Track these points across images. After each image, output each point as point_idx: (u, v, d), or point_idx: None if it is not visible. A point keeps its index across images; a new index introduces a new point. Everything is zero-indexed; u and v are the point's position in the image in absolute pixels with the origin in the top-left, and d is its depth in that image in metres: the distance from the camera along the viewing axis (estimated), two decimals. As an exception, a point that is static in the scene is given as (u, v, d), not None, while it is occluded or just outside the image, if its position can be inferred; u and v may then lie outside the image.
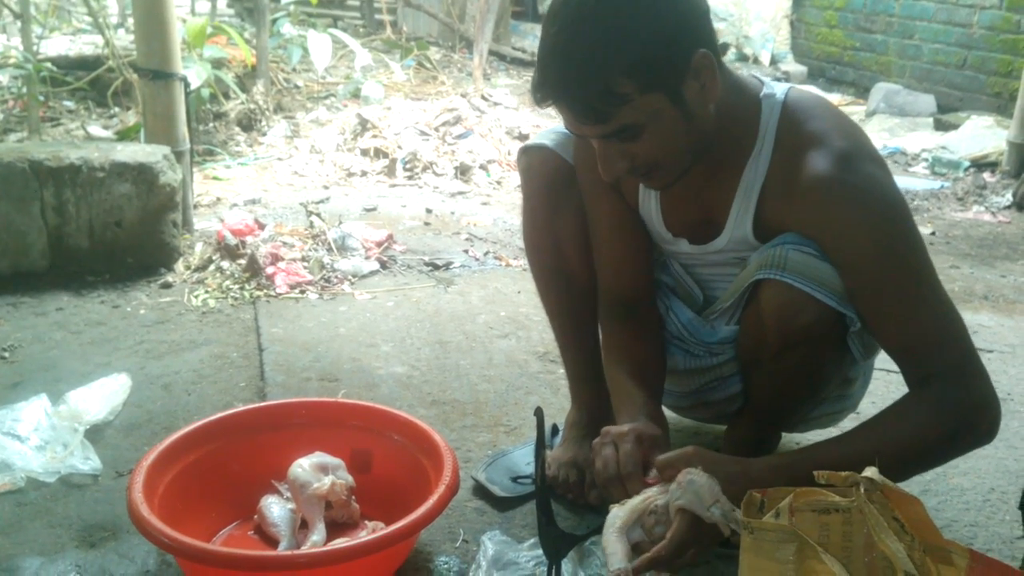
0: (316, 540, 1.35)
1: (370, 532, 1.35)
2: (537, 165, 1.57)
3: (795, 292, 1.24)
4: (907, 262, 1.19)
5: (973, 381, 1.15)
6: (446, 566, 1.37)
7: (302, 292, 2.54)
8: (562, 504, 1.53)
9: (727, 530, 0.99)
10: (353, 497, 1.44)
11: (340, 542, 1.32)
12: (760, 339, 1.34)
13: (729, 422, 1.60)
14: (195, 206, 3.15)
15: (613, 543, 1.08)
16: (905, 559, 0.81)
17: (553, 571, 1.28)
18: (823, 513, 0.96)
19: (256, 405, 1.53)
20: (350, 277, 2.65)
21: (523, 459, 1.67)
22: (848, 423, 1.63)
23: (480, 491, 1.57)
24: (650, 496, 1.08)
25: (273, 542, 1.39)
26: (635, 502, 1.09)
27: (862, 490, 0.87)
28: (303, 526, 1.40)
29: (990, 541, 1.49)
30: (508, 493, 1.55)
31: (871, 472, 0.88)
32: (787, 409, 1.47)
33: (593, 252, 1.55)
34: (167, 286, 2.59)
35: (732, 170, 1.29)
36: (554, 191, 1.55)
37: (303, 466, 1.39)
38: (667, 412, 1.75)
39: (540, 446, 1.28)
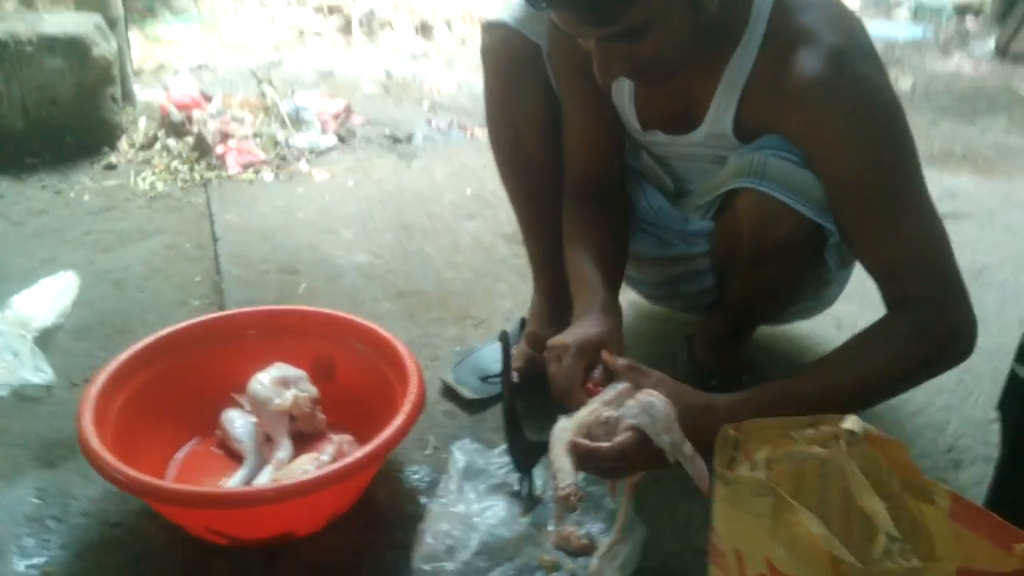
0: (282, 457, 1.31)
1: (336, 448, 1.31)
2: (496, 45, 1.44)
3: (772, 202, 1.16)
4: (895, 175, 1.11)
5: (953, 306, 1.10)
6: (417, 476, 1.35)
7: (256, 172, 2.41)
8: (531, 404, 1.50)
9: (671, 459, 0.96)
10: (318, 408, 1.40)
11: (305, 460, 1.28)
12: (734, 246, 1.27)
13: (703, 314, 1.56)
14: (136, 73, 2.94)
15: (561, 458, 1.04)
16: (886, 519, 0.78)
17: (524, 482, 1.26)
18: (799, 461, 0.93)
19: (209, 317, 1.46)
20: (306, 154, 2.51)
21: (491, 357, 1.62)
22: (823, 318, 1.61)
23: (449, 393, 1.53)
24: (597, 409, 1.04)
25: (237, 458, 1.35)
26: (582, 414, 1.05)
27: (842, 444, 0.83)
28: (268, 440, 1.36)
29: (963, 425, 1.49)
30: (477, 395, 1.52)
31: (852, 423, 0.84)
32: (760, 311, 1.43)
33: (562, 133, 1.45)
34: (111, 167, 2.45)
35: (717, 61, 1.18)
36: (514, 74, 1.43)
37: (262, 382, 1.34)
38: (640, 300, 1.71)
39: (507, 371, 1.23)
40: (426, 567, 1.12)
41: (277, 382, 1.35)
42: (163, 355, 1.39)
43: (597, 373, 1.14)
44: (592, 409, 1.05)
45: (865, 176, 1.10)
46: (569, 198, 1.47)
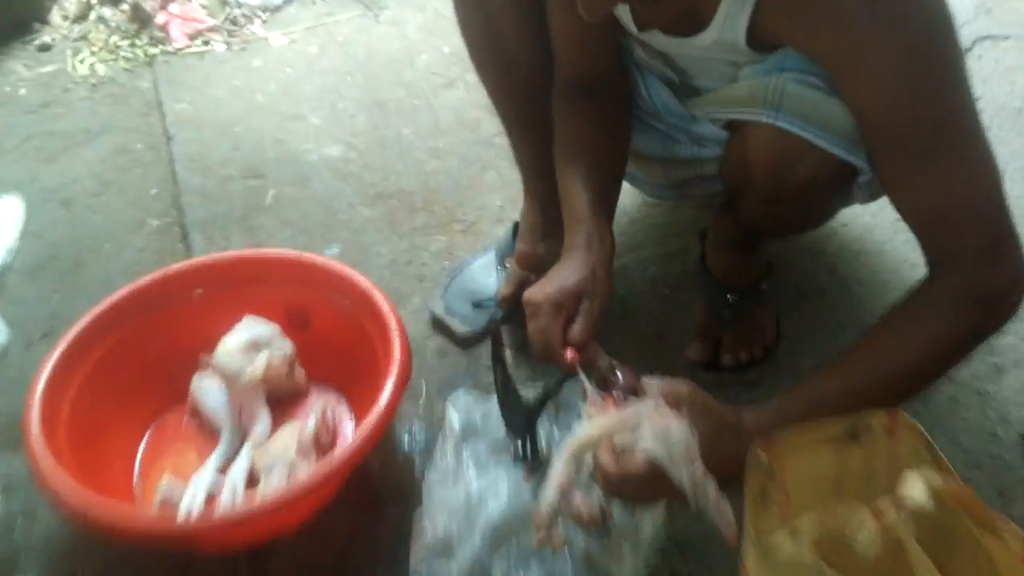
0: (260, 432, 1.20)
1: (320, 415, 1.20)
2: None
3: (791, 140, 0.97)
4: (944, 108, 0.89)
5: (1004, 260, 0.91)
6: (410, 436, 1.25)
7: (206, 43, 2.13)
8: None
9: (692, 502, 0.82)
10: (296, 363, 1.27)
11: (287, 436, 1.17)
12: (748, 181, 1.09)
13: (713, 214, 1.38)
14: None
15: (557, 471, 0.94)
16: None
17: (524, 445, 1.16)
18: (840, 446, 0.81)
19: (162, 273, 1.29)
20: (260, 13, 2.22)
21: (483, 273, 1.47)
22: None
23: (439, 326, 1.40)
24: (611, 426, 0.90)
25: (213, 430, 1.24)
26: (600, 427, 0.92)
27: (901, 516, 0.70)
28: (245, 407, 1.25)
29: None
30: (470, 328, 1.38)
31: (915, 489, 0.70)
32: (777, 235, 1.27)
33: (548, 20, 1.22)
34: (46, 48, 2.18)
35: None
36: None
37: (229, 351, 1.20)
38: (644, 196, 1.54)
39: (497, 362, 1.10)
40: (425, 572, 1.03)
41: (247, 347, 1.21)
42: (121, 321, 1.25)
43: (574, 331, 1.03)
44: (612, 424, 0.91)
45: (908, 110, 0.89)
46: (558, 95, 1.26)
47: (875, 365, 0.91)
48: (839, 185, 1.07)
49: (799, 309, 1.38)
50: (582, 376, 1.05)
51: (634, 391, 1.04)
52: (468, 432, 1.20)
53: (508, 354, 1.09)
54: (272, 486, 1.12)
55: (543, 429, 1.20)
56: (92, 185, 1.75)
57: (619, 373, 1.07)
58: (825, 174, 1.01)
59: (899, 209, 0.98)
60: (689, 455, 0.82)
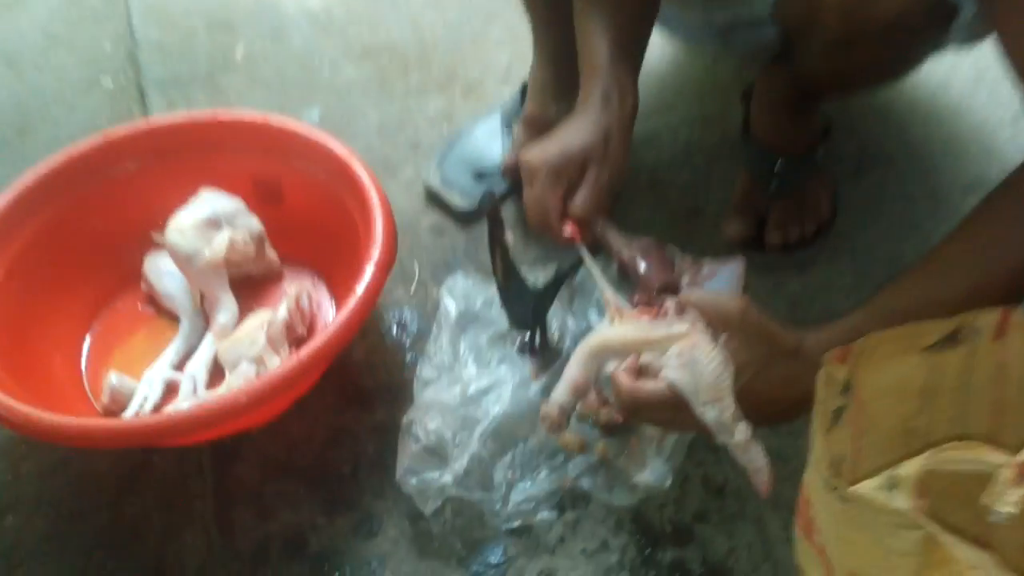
0: (224, 322, 1.02)
1: (293, 302, 1.02)
2: None
3: None
4: None
5: None
6: (400, 326, 1.07)
7: None
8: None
9: (717, 437, 0.66)
10: (266, 243, 1.09)
11: (255, 326, 0.99)
12: (812, 21, 0.86)
13: (762, 69, 1.15)
14: None
15: (572, 370, 0.77)
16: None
17: (532, 337, 0.98)
18: (936, 352, 0.63)
19: (105, 136, 1.08)
20: None
21: (486, 139, 1.26)
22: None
23: (435, 199, 1.20)
24: (639, 339, 0.72)
25: (171, 315, 1.07)
26: (622, 337, 0.74)
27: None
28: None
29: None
30: (470, 204, 1.18)
31: None
32: (842, 94, 1.06)
33: None
34: None
35: None
36: None
37: (183, 229, 1.00)
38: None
39: (496, 244, 0.91)
40: (413, 480, 0.87)
41: (203, 225, 1.02)
42: (58, 192, 1.06)
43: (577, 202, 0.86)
44: (627, 336, 0.73)
45: None
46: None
47: (977, 264, 0.71)
48: (930, 27, 0.85)
49: (861, 180, 1.17)
50: (586, 258, 0.87)
51: (666, 287, 0.85)
52: (466, 321, 1.03)
53: (509, 235, 0.90)
54: (237, 384, 0.95)
55: (556, 319, 1.02)
56: (39, 41, 1.53)
57: (642, 263, 0.88)
58: (914, 12, 0.79)
59: (1015, 67, 0.74)
60: (718, 392, 0.65)
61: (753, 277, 0.89)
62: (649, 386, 0.69)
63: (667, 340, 0.70)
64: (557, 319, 1.02)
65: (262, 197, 1.10)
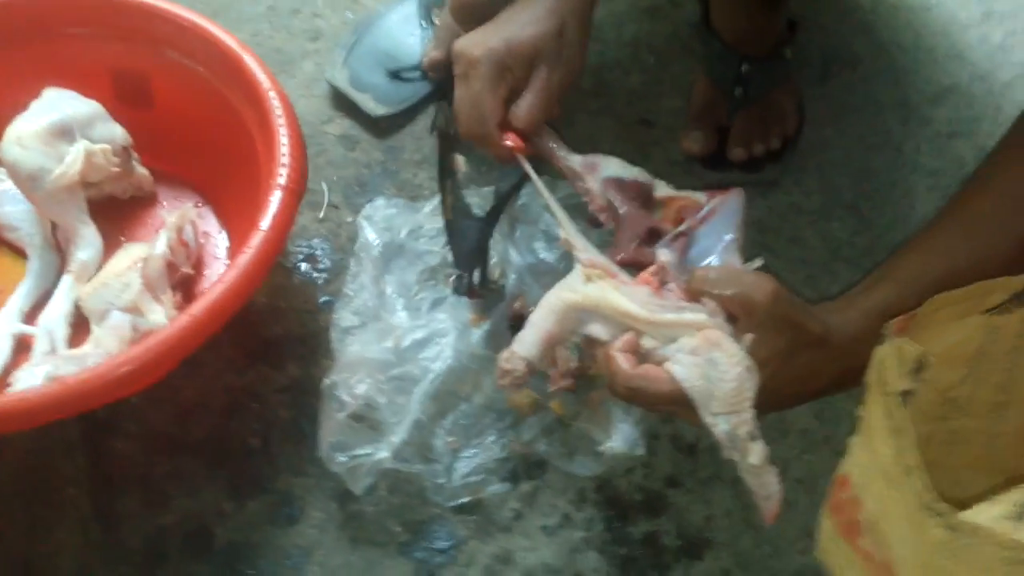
0: (84, 259, 0.82)
1: (174, 234, 0.82)
2: None
3: None
4: None
5: None
6: (309, 260, 0.89)
7: None
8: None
9: (724, 452, 0.54)
10: (134, 157, 0.87)
11: (124, 265, 0.79)
12: None
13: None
14: None
15: (546, 322, 0.63)
16: None
17: (470, 276, 0.82)
18: (995, 314, 0.54)
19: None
20: None
21: (402, 29, 1.06)
22: None
23: (343, 103, 1.00)
24: (646, 316, 0.58)
25: (16, 252, 0.85)
26: (621, 304, 0.60)
27: None
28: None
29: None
30: (388, 108, 0.99)
31: None
32: None
33: None
34: None
35: None
36: None
37: (23, 141, 0.78)
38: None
39: (445, 173, 0.74)
40: (341, 456, 0.72)
41: (50, 134, 0.80)
42: None
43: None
44: (626, 305, 0.59)
45: None
46: None
47: (1018, 215, 0.59)
48: None
49: (825, 84, 1.05)
50: (533, 177, 0.71)
51: (650, 234, 0.69)
52: (390, 255, 0.87)
53: (461, 160, 0.74)
54: (108, 341, 0.76)
55: (495, 252, 0.87)
56: None
57: (617, 197, 0.72)
58: None
59: None
60: (736, 404, 0.53)
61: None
62: (651, 374, 0.56)
63: (676, 326, 0.57)
64: (496, 251, 0.87)
65: (126, 98, 0.89)
